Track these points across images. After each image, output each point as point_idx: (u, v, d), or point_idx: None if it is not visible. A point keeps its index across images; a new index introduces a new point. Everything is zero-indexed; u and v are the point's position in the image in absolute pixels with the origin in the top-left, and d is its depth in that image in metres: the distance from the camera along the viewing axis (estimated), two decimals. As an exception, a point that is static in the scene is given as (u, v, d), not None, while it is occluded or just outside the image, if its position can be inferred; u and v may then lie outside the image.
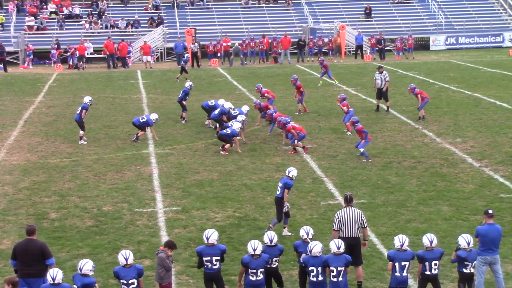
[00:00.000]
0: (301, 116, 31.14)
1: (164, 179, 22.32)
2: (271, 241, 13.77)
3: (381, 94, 32.07)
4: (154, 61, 53.23)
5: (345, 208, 14.77)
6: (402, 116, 31.06)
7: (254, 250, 13.38)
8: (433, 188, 21.00)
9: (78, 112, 27.52)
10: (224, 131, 25.63)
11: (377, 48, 53.29)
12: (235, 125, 25.88)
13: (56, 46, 51.79)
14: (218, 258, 13.61)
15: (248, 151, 25.50)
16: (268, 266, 13.64)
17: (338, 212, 14.79)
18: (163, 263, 13.49)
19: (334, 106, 32.09)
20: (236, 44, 52.18)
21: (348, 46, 56.29)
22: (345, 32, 54.83)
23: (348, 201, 14.89)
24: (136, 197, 20.68)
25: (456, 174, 22.44)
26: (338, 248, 13.26)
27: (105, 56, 51.31)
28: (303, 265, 13.66)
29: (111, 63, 50.87)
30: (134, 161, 24.52)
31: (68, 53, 51.66)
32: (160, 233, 17.87)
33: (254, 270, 13.34)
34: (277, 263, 13.91)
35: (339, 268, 13.17)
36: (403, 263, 13.33)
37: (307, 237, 13.91)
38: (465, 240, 13.60)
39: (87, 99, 27.98)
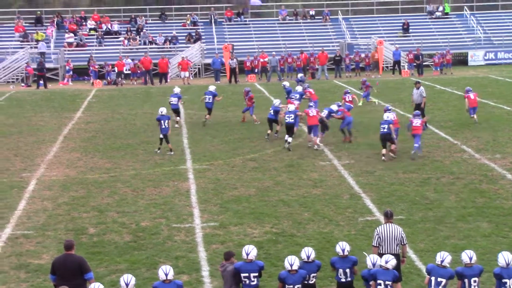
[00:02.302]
0: (339, 133, 31.09)
1: (202, 195, 22.36)
2: (308, 257, 13.72)
3: (419, 110, 31.92)
4: (192, 77, 53.49)
5: (385, 224, 14.69)
6: (440, 132, 30.87)
7: (291, 265, 13.33)
8: (472, 204, 20.81)
9: (209, 101, 33.72)
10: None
11: (415, 64, 53.10)
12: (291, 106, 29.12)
13: (93, 62, 52.27)
14: (256, 274, 13.57)
15: (285, 167, 25.50)
16: (306, 282, 13.60)
17: (378, 228, 14.72)
18: (235, 277, 13.48)
19: (371, 122, 32.00)
20: (273, 53, 52.08)
21: (385, 61, 56.16)
22: (383, 48, 54.76)
23: (388, 217, 14.80)
24: (174, 212, 20.74)
25: (495, 190, 22.22)
26: (387, 262, 13.16)
27: (141, 72, 51.69)
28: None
29: (148, 80, 51.22)
30: (172, 177, 24.62)
31: (104, 70, 52.14)
32: (198, 248, 17.89)
33: (291, 286, 13.28)
34: (314, 279, 13.85)
35: (386, 282, 13.04)
36: (439, 279, 13.18)
37: (343, 253, 13.85)
38: (504, 258, 13.39)
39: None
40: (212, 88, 34.34)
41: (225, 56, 52.83)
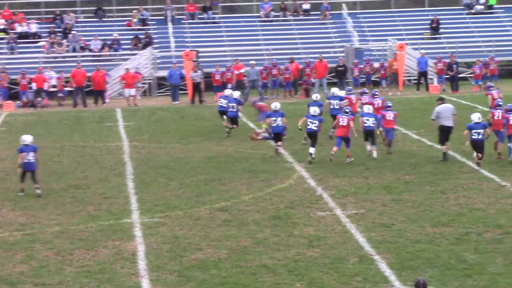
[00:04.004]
0: (343, 169, 31.15)
1: (153, 259, 22.29)
2: None
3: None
4: (139, 95, 53.51)
5: (413, 300, 14.71)
6: (483, 170, 30.99)
7: None
8: (527, 269, 20.88)
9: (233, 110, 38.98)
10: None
11: (447, 76, 53.36)
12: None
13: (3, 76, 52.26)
14: None
15: (269, 219, 25.48)
16: None
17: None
18: None
19: (387, 156, 32.05)
20: (252, 63, 52.14)
21: (407, 72, 56.42)
22: (404, 54, 55.00)
23: (421, 289, 14.81)
24: (114, 284, 20.65)
25: (559, 249, 22.32)
26: None
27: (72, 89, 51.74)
28: None
29: (78, 100, 51.18)
30: (112, 234, 24.53)
31: (18, 86, 52.14)
32: (147, 334, 17.85)
33: None
34: None
35: None
36: None
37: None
38: None
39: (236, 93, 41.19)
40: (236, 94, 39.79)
41: (186, 66, 52.89)
